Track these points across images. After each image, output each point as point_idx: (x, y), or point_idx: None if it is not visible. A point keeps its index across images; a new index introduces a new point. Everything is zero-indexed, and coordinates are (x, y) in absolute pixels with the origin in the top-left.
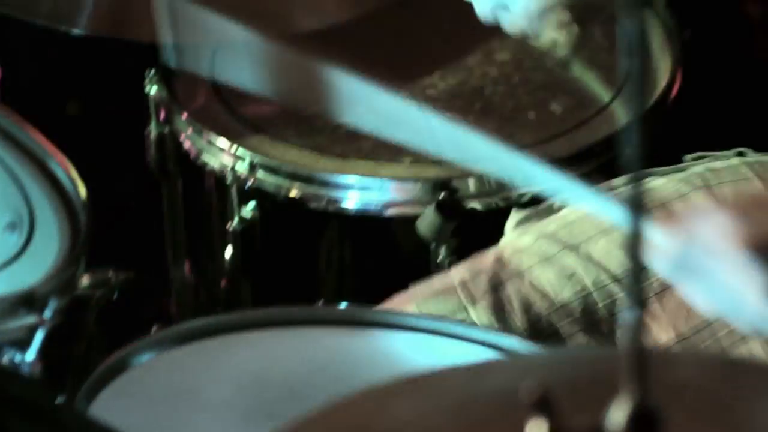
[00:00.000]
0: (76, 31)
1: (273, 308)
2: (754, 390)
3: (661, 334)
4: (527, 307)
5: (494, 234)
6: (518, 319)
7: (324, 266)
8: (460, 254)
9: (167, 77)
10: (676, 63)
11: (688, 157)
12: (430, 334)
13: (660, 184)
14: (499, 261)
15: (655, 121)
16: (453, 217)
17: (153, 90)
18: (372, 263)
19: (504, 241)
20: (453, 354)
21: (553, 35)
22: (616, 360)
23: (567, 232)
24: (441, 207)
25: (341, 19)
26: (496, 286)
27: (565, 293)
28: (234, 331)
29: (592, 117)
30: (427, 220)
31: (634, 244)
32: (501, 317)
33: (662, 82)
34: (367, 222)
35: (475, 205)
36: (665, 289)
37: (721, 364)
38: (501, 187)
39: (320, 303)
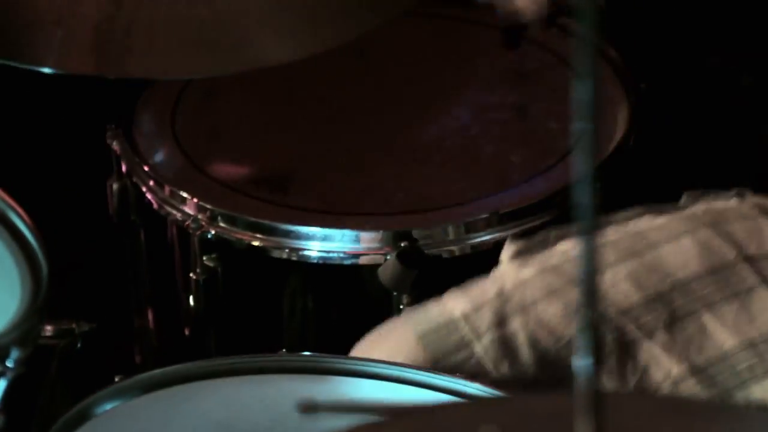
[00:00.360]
0: (45, 70)
1: (237, 357)
2: None
3: (673, 366)
4: (534, 343)
5: (456, 282)
6: (526, 354)
7: (287, 314)
8: (422, 302)
9: (129, 130)
10: (633, 114)
11: (687, 195)
12: (394, 382)
13: (663, 221)
14: (502, 294)
15: (613, 170)
16: (414, 265)
17: (115, 143)
18: (335, 311)
19: (502, 273)
20: (417, 402)
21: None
22: (573, 403)
23: (571, 266)
24: (402, 256)
25: (302, 56)
26: (501, 321)
27: (571, 328)
28: (197, 380)
29: (551, 167)
30: (389, 269)
31: (588, 292)
32: (507, 352)
33: (619, 132)
34: (329, 270)
35: (436, 253)
36: (676, 319)
37: (673, 408)
38: (461, 236)
39: (283, 351)
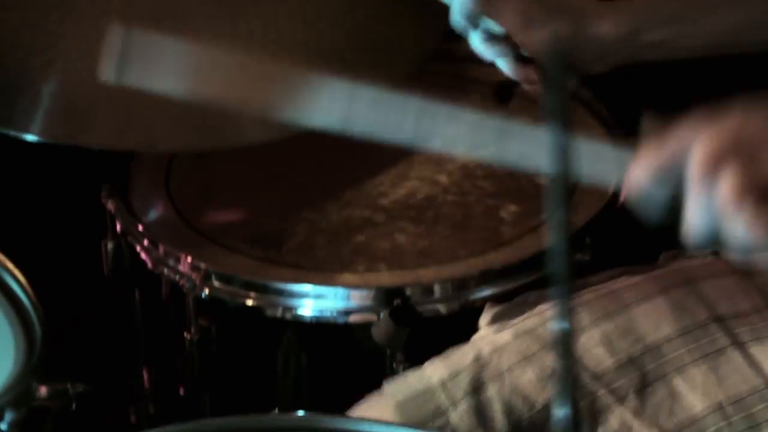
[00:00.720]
0: (30, 137)
1: (231, 417)
2: None
3: (644, 431)
4: (509, 410)
5: (449, 339)
6: (500, 423)
7: (281, 373)
8: (415, 360)
9: (124, 189)
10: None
11: (665, 254)
12: None
13: (638, 280)
14: (478, 360)
15: (603, 228)
16: (407, 323)
17: (109, 202)
18: (328, 370)
19: (480, 337)
20: None
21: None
22: None
23: (545, 329)
24: (395, 314)
25: (290, 133)
26: (476, 388)
27: (545, 394)
28: None
29: (542, 223)
30: (382, 327)
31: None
32: (482, 421)
33: (609, 189)
34: (323, 329)
35: (429, 311)
36: (647, 384)
37: None
38: (453, 293)
39: (277, 410)
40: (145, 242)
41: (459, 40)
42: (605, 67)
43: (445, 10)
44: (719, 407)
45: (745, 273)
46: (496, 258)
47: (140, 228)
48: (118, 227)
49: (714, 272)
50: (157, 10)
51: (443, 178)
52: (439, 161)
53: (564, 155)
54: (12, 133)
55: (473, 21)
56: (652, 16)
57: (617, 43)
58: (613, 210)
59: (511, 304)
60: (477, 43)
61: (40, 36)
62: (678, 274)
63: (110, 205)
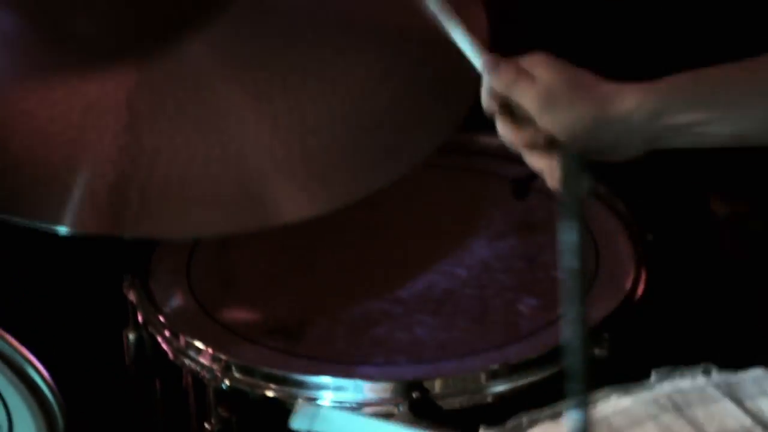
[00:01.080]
0: (61, 230)
1: None
2: None
3: None
4: None
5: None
6: None
7: None
8: None
9: (145, 279)
10: (641, 264)
11: (655, 373)
12: None
13: (628, 404)
14: None
15: (621, 323)
16: (426, 416)
17: (131, 293)
18: None
19: None
20: None
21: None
22: None
23: None
24: (414, 407)
25: (315, 214)
26: None
27: None
28: None
29: (560, 317)
30: (402, 420)
31: None
32: None
33: (627, 284)
34: None
35: (448, 404)
36: None
37: None
38: (472, 386)
39: None
40: (167, 333)
41: (477, 133)
42: (627, 154)
43: (469, 95)
44: None
45: (735, 397)
46: (515, 352)
47: (161, 319)
48: (140, 318)
49: (704, 397)
50: (180, 94)
51: (462, 271)
52: (457, 254)
53: (580, 251)
54: (43, 225)
55: (500, 103)
56: (677, 98)
57: (640, 125)
58: (632, 305)
59: (506, 428)
60: (502, 128)
61: (68, 130)
62: (668, 399)
63: (132, 296)
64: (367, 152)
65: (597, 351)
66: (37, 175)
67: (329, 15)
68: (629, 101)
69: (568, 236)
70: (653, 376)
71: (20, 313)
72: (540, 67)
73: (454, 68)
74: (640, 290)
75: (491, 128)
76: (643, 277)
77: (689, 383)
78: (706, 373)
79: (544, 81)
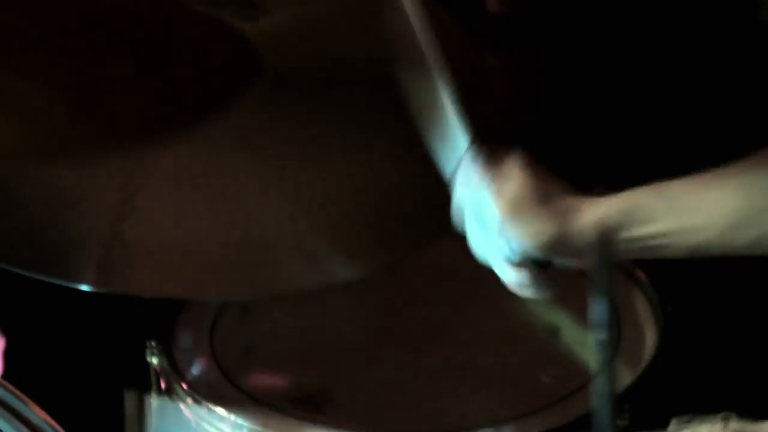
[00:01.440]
0: (83, 287)
1: None
2: None
3: None
4: None
5: None
6: None
7: None
8: None
9: (167, 346)
10: (662, 335)
11: (675, 421)
12: None
13: None
14: None
15: (642, 391)
16: None
17: (155, 359)
18: None
19: None
20: None
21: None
22: None
23: None
24: None
25: (336, 281)
26: None
27: None
28: None
29: (582, 387)
30: None
31: None
32: None
33: (648, 354)
34: None
35: None
36: None
37: None
38: None
39: None
40: (189, 400)
41: None
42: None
43: None
44: None
45: None
46: (537, 421)
47: (184, 386)
48: (163, 384)
49: None
50: (202, 165)
51: (484, 339)
52: (480, 322)
53: (608, 323)
54: (67, 282)
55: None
56: (635, 213)
57: (606, 240)
58: (652, 375)
59: None
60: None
61: (93, 190)
62: None
63: (155, 362)
64: (389, 223)
65: (618, 421)
66: (61, 236)
67: (352, 91)
68: (589, 216)
69: (597, 309)
70: (672, 424)
71: (42, 378)
72: (514, 170)
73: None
74: (660, 361)
75: None
76: (664, 347)
77: (708, 430)
78: (726, 420)
79: (512, 189)
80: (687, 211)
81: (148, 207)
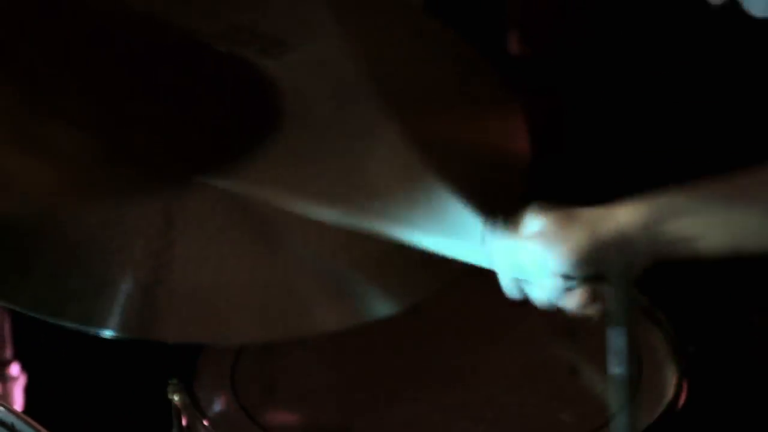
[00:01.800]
0: (107, 333)
1: None
2: None
3: None
4: None
5: None
6: None
7: None
8: None
9: (189, 383)
10: (682, 376)
11: None
12: None
13: None
14: None
15: (665, 427)
16: None
17: (176, 397)
18: None
19: None
20: None
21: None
22: None
23: None
24: None
25: (371, 318)
26: None
27: None
28: None
29: (602, 427)
30: None
31: None
32: None
33: (669, 394)
34: None
35: None
36: None
37: None
38: None
39: None
40: None
41: None
42: (633, 271)
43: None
44: None
45: None
46: None
47: (205, 423)
48: (184, 422)
49: None
50: (234, 208)
51: (503, 378)
52: (500, 361)
53: (628, 358)
54: (91, 330)
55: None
56: (669, 207)
57: (638, 238)
58: (673, 416)
59: None
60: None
61: (114, 238)
62: None
63: (176, 400)
64: (421, 259)
65: None
66: (85, 281)
67: (374, 125)
68: (620, 217)
69: (616, 343)
70: None
71: (63, 414)
72: (532, 220)
73: (486, 185)
74: (681, 401)
75: None
76: (685, 388)
77: None
78: None
79: (539, 225)
80: (721, 211)
81: (179, 253)
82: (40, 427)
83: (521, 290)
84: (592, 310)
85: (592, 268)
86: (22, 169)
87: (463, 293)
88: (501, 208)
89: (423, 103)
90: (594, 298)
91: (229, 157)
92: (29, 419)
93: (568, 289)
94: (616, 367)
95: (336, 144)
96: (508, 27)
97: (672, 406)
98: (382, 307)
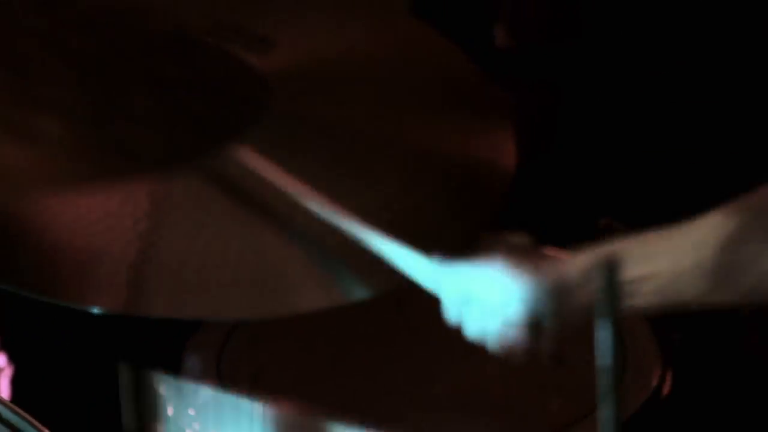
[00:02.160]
0: (95, 310)
1: None
2: None
3: None
4: None
5: None
6: None
7: None
8: None
9: (175, 372)
10: (667, 364)
11: None
12: None
13: None
14: None
15: (648, 419)
16: None
17: (161, 387)
18: None
19: None
20: None
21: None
22: None
23: None
24: None
25: (348, 301)
26: None
27: None
28: None
29: (588, 415)
30: None
31: None
32: None
33: (653, 382)
34: None
35: None
36: None
37: None
38: None
39: None
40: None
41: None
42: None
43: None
44: None
45: None
46: None
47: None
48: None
49: None
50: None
51: (490, 368)
52: (485, 351)
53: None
54: (80, 306)
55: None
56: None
57: (585, 289)
58: (657, 403)
59: None
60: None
61: (108, 216)
62: None
63: (162, 390)
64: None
65: None
66: (74, 263)
67: (361, 119)
68: (579, 263)
69: (602, 334)
70: None
71: (49, 403)
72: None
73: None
74: (666, 389)
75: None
76: (669, 376)
77: None
78: None
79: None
80: (666, 259)
81: (164, 233)
82: (28, 417)
83: (461, 320)
84: (520, 352)
85: (536, 312)
86: (9, 156)
87: None
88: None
89: (408, 106)
90: (530, 337)
91: (211, 146)
92: (17, 409)
93: (508, 324)
94: (602, 359)
95: (319, 139)
96: (495, 20)
97: (656, 394)
98: (362, 289)
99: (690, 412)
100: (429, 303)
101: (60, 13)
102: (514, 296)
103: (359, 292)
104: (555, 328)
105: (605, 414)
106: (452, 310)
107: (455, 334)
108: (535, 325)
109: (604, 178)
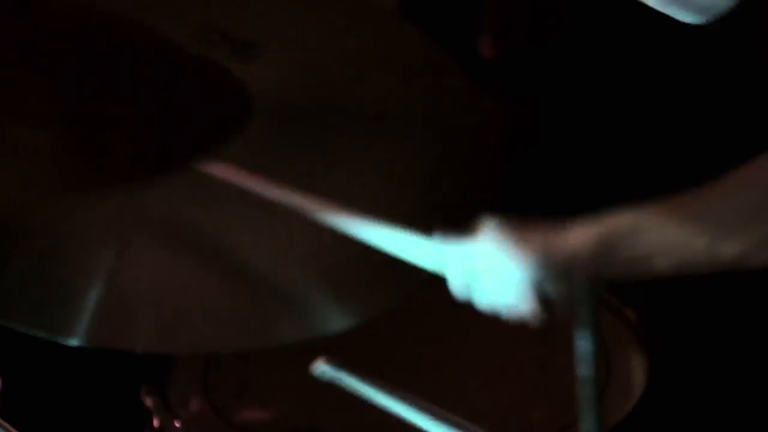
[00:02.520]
0: (73, 342)
1: None
2: None
3: None
4: None
5: None
6: None
7: None
8: None
9: (162, 384)
10: (650, 373)
11: None
12: None
13: None
14: None
15: (632, 429)
16: None
17: (148, 399)
18: None
19: None
20: None
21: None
22: None
23: None
24: None
25: (327, 332)
26: None
27: None
28: None
29: (572, 424)
30: None
31: None
32: None
33: (637, 391)
34: None
35: None
36: None
37: None
38: None
39: None
40: None
41: None
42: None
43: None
44: None
45: None
46: None
47: (177, 424)
48: (156, 423)
49: None
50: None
51: (475, 376)
52: (471, 360)
53: (594, 358)
54: (56, 338)
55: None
56: (622, 226)
57: (589, 258)
58: (642, 412)
59: None
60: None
61: (84, 244)
62: None
63: (148, 402)
64: (380, 272)
65: None
66: (52, 293)
67: (343, 133)
68: (573, 237)
69: (582, 344)
70: None
71: (38, 418)
72: (489, 230)
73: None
74: (650, 396)
75: None
76: (653, 385)
77: None
78: None
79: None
80: (667, 234)
81: (141, 261)
82: None
83: (470, 296)
84: (537, 321)
85: (543, 282)
86: None
87: (434, 292)
88: (462, 214)
89: (393, 107)
90: (541, 309)
91: (193, 157)
92: (5, 423)
93: (518, 298)
94: (583, 369)
95: (306, 143)
96: (480, 30)
97: (641, 402)
98: (340, 320)
99: (674, 420)
100: (415, 311)
101: (37, 21)
102: (518, 270)
103: (339, 322)
104: (564, 298)
105: (586, 425)
106: (459, 288)
107: (440, 342)
108: (543, 296)
109: (588, 185)
